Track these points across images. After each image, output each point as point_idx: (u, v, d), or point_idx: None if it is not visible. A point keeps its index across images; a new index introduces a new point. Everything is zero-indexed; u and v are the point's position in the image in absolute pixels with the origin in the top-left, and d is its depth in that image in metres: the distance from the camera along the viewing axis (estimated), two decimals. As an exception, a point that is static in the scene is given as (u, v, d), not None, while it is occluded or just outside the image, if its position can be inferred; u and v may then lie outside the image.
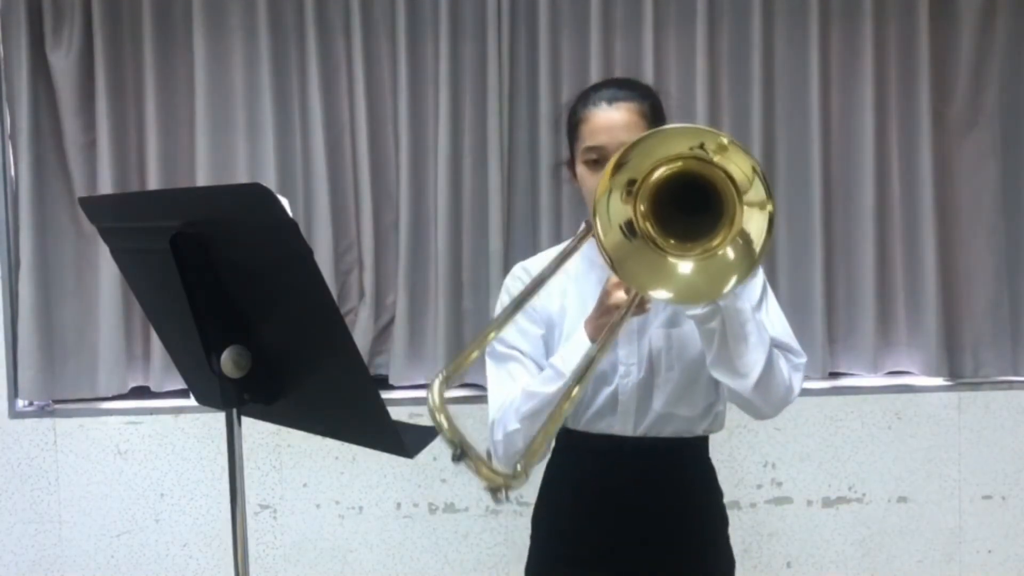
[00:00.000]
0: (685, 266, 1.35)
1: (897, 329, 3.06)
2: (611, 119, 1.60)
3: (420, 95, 2.96)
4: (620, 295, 1.46)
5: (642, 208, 1.34)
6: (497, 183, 2.94)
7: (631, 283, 1.36)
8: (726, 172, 1.28)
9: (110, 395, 2.97)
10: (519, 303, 1.40)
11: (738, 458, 2.99)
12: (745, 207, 1.29)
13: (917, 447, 3.05)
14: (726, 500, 1.81)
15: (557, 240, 2.89)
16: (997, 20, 3.00)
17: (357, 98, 2.94)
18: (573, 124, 1.67)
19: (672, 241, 1.35)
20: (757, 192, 1.28)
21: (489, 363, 1.71)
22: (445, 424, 1.12)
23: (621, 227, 1.35)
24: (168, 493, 2.99)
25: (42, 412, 2.98)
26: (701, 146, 1.28)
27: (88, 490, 2.98)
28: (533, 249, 2.89)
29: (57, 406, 2.98)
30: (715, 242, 1.33)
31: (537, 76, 2.94)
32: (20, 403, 2.98)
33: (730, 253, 1.32)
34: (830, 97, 3.01)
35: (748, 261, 1.30)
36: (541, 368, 1.65)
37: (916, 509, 3.06)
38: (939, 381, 3.04)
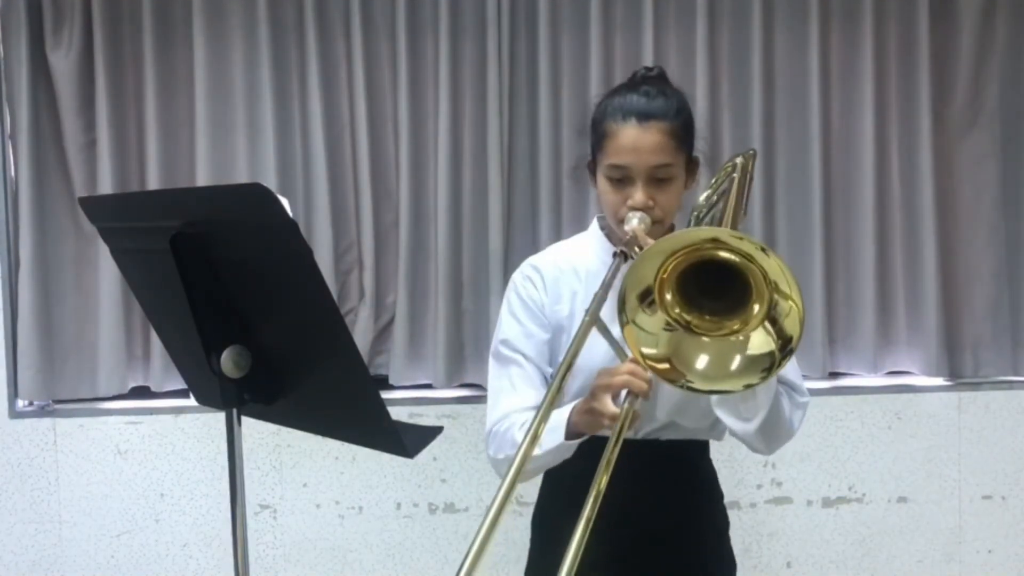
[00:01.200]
0: (713, 342, 1.33)
1: (897, 329, 3.06)
2: (639, 140, 1.54)
3: (420, 95, 2.96)
4: (609, 406, 1.38)
5: (676, 310, 1.32)
6: (497, 183, 2.94)
7: (685, 368, 1.31)
8: (738, 252, 1.26)
9: (110, 395, 2.97)
10: (556, 390, 1.32)
11: (738, 458, 2.98)
12: (774, 294, 1.28)
13: (917, 447, 3.05)
14: (726, 500, 1.81)
15: (557, 240, 2.89)
16: (997, 20, 3.00)
17: (357, 98, 2.94)
18: (599, 132, 1.60)
19: (708, 318, 1.33)
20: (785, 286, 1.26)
21: (492, 364, 1.68)
22: None
23: (664, 330, 1.32)
24: (168, 493, 2.99)
25: (42, 412, 2.98)
26: (714, 241, 1.27)
27: (88, 490, 2.98)
28: (533, 249, 2.87)
29: (57, 406, 2.98)
30: (735, 325, 1.31)
31: (537, 76, 2.94)
32: (20, 403, 2.98)
33: (766, 333, 1.30)
34: (830, 97, 3.01)
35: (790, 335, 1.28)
36: (544, 373, 1.64)
37: (916, 509, 3.06)
38: (939, 381, 3.04)
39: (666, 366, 1.32)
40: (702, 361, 1.32)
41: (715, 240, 1.27)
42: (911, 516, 3.06)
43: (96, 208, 1.66)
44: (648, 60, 2.92)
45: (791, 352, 1.29)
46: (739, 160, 1.75)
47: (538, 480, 1.77)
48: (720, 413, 1.54)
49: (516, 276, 1.72)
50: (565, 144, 2.95)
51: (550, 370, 1.65)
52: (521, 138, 2.98)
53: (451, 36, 2.91)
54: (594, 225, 1.73)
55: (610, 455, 1.30)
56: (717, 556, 1.76)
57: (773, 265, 1.25)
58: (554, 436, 1.48)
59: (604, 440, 1.65)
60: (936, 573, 3.07)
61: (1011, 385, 3.06)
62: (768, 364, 1.29)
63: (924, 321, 3.00)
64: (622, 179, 1.56)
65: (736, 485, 2.98)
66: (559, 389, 1.31)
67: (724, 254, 1.27)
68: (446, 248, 2.94)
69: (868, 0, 2.95)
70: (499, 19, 2.91)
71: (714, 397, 1.52)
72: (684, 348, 1.32)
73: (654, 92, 1.59)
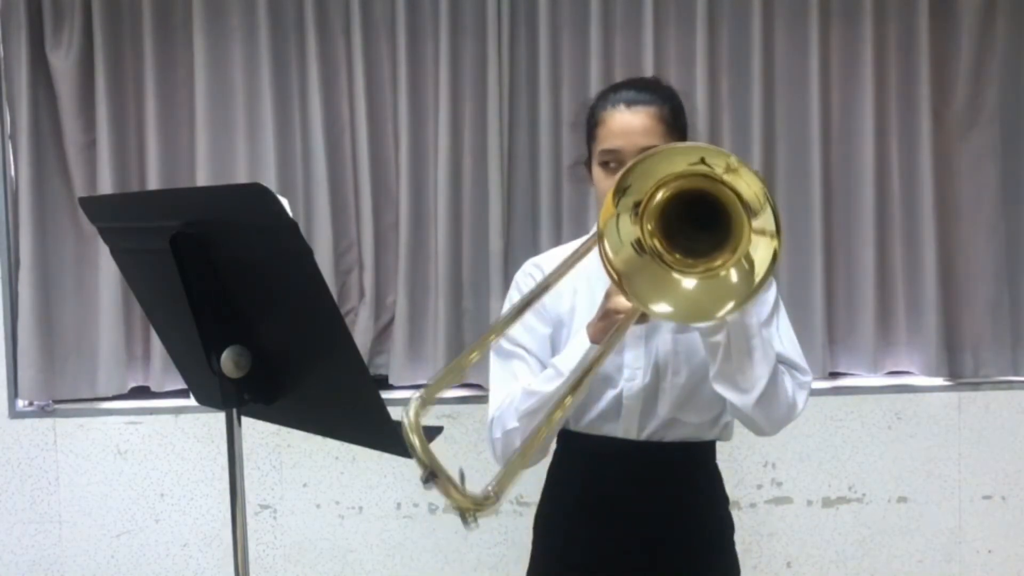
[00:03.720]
0: (688, 283, 1.33)
1: (897, 329, 3.06)
2: (628, 123, 1.58)
3: (420, 95, 2.96)
4: (622, 301, 1.44)
5: (649, 227, 1.32)
6: (497, 183, 2.94)
7: (636, 299, 1.33)
8: (735, 191, 1.26)
9: (110, 395, 2.97)
10: (517, 311, 1.38)
11: (738, 458, 2.99)
12: (754, 234, 1.26)
13: (917, 447, 3.05)
14: (726, 500, 1.82)
15: (557, 240, 2.89)
16: (997, 20, 3.00)
17: (357, 98, 2.94)
18: (591, 124, 1.65)
19: (678, 256, 1.33)
20: (767, 221, 1.25)
21: (493, 359, 1.70)
22: (417, 445, 1.11)
23: (632, 244, 1.33)
24: (168, 493, 2.99)
25: (42, 412, 2.98)
26: (702, 161, 1.26)
27: (88, 490, 2.98)
28: (533, 249, 2.89)
29: (57, 406, 2.98)
30: (718, 262, 1.31)
31: (537, 76, 2.94)
32: (20, 403, 2.98)
33: (733, 276, 1.29)
34: (830, 97, 3.01)
35: (747, 289, 1.28)
36: (546, 367, 1.65)
37: (916, 509, 3.06)
38: (939, 381, 3.04)
39: (615, 278, 1.33)
40: (661, 305, 1.32)
41: (728, 167, 1.26)
42: (911, 516, 3.06)
43: (96, 208, 1.66)
44: (648, 60, 2.92)
45: (757, 288, 1.28)
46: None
47: (540, 481, 1.77)
48: (719, 387, 1.54)
49: (519, 275, 1.75)
50: (565, 144, 2.95)
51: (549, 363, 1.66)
52: (521, 138, 2.98)
53: (451, 36, 2.91)
54: (593, 233, 1.74)
55: (613, 336, 1.37)
56: (721, 559, 1.76)
57: (747, 188, 1.25)
58: (576, 352, 1.53)
59: (609, 439, 1.66)
60: (936, 573, 3.07)
61: (1011, 385, 3.06)
62: (741, 294, 1.29)
63: (924, 321, 3.00)
64: (614, 163, 1.59)
65: (736, 485, 2.98)
66: (536, 296, 1.41)
67: (715, 186, 1.27)
68: (446, 248, 2.94)
69: (868, 0, 2.95)
70: (499, 19, 2.91)
71: (713, 371, 1.53)
72: (642, 277, 1.33)
73: (643, 84, 1.65)
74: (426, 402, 1.16)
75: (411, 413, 1.13)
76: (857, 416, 3.03)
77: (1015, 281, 3.06)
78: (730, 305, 1.29)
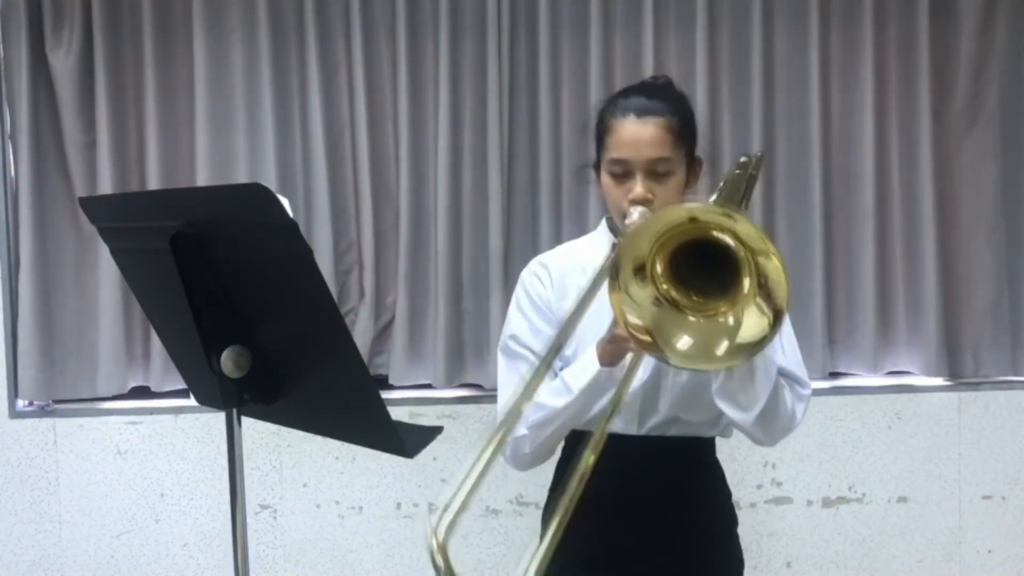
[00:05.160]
0: (700, 322, 1.33)
1: (897, 329, 3.06)
2: (638, 134, 1.58)
3: (420, 95, 2.96)
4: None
5: (664, 285, 1.32)
6: (497, 183, 2.94)
7: (668, 348, 1.31)
8: (733, 233, 1.26)
9: (110, 395, 2.97)
10: (547, 362, 1.33)
11: (738, 458, 2.98)
12: (758, 278, 1.27)
13: (917, 447, 3.05)
14: (727, 500, 1.81)
15: (557, 240, 2.89)
16: (997, 20, 3.00)
17: (357, 98, 2.94)
18: (601, 130, 1.65)
19: (695, 298, 1.33)
20: (769, 263, 1.26)
21: (501, 359, 1.71)
22: (442, 566, 1.06)
23: (651, 304, 1.33)
24: (168, 493, 2.99)
25: (42, 412, 2.98)
26: (693, 219, 1.26)
27: (88, 490, 2.98)
28: (533, 249, 2.89)
29: (57, 406, 2.98)
30: (723, 307, 1.31)
31: (537, 76, 2.94)
32: (20, 403, 2.98)
33: (731, 321, 1.30)
34: (830, 97, 3.01)
35: (764, 327, 1.28)
36: (552, 369, 1.65)
37: (916, 509, 3.06)
38: (939, 381, 3.04)
39: (647, 338, 1.32)
40: (683, 341, 1.32)
41: (694, 219, 1.27)
42: (911, 516, 3.05)
43: (96, 208, 1.66)
44: (648, 60, 2.92)
45: (779, 324, 1.28)
46: (743, 159, 1.76)
47: (548, 477, 1.77)
48: (720, 403, 1.55)
49: (524, 273, 1.74)
50: (565, 144, 2.95)
51: (559, 364, 1.66)
52: (521, 138, 2.98)
53: (451, 36, 2.91)
54: (603, 225, 1.75)
55: (621, 390, 1.35)
56: (725, 553, 1.77)
57: (747, 231, 1.25)
58: (588, 369, 1.52)
59: (615, 437, 1.66)
60: (936, 573, 3.07)
61: (1011, 385, 3.06)
62: (759, 340, 1.29)
63: (924, 321, 3.00)
64: (623, 174, 1.59)
65: (736, 485, 2.95)
66: (561, 344, 1.36)
67: (716, 234, 1.27)
68: (446, 248, 2.94)
69: (868, 0, 2.95)
70: (499, 19, 2.91)
71: (714, 387, 1.54)
72: (668, 324, 1.33)
73: (654, 92, 1.64)
74: (455, 524, 1.07)
75: (437, 535, 1.05)
76: (857, 416, 3.03)
77: (1015, 281, 3.06)
78: (724, 346, 1.29)
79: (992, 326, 3.03)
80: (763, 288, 1.28)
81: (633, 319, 1.32)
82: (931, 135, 2.98)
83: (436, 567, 1.06)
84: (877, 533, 3.05)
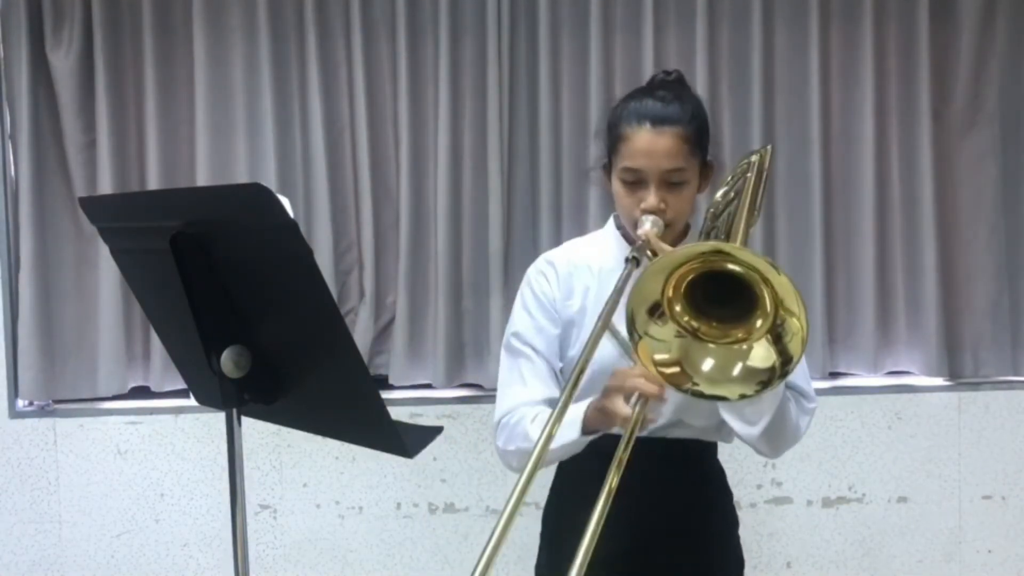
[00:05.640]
0: (718, 349, 1.34)
1: (897, 329, 3.05)
2: (652, 144, 1.56)
3: (420, 95, 2.96)
4: (621, 407, 1.40)
5: (685, 318, 1.34)
6: (497, 183, 2.94)
7: (699, 376, 1.33)
8: (742, 263, 1.27)
9: (110, 395, 2.97)
10: (561, 411, 1.31)
11: (738, 458, 2.96)
12: (780, 303, 1.28)
13: (917, 447, 3.05)
14: (727, 500, 1.81)
15: (557, 240, 2.89)
16: (997, 20, 3.00)
17: (357, 98, 2.94)
18: (614, 136, 1.63)
19: (715, 325, 1.35)
20: (783, 287, 1.26)
21: (503, 355, 1.70)
22: None
23: (676, 337, 1.34)
24: (168, 493, 2.99)
25: (42, 412, 2.98)
26: (703, 257, 1.28)
27: (88, 490, 2.98)
28: (533, 249, 2.89)
29: (57, 406, 2.98)
30: (740, 334, 1.32)
31: (537, 76, 2.94)
32: (20, 403, 2.98)
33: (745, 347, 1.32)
34: (830, 97, 3.01)
35: (793, 345, 1.29)
36: (553, 367, 1.65)
37: (916, 509, 3.05)
38: (939, 381, 3.04)
39: (676, 370, 1.34)
40: (708, 365, 1.34)
41: (720, 252, 1.29)
42: (911, 516, 3.05)
43: (96, 208, 1.65)
44: (648, 60, 2.92)
45: (788, 372, 1.30)
46: (754, 158, 1.75)
47: (549, 478, 1.77)
48: (725, 416, 1.55)
49: (531, 270, 1.73)
50: (565, 144, 2.96)
51: (560, 364, 1.66)
52: (521, 138, 2.98)
53: (451, 36, 2.91)
54: (610, 223, 1.74)
55: (621, 455, 1.33)
56: (725, 555, 1.76)
57: (784, 282, 1.26)
58: (569, 431, 1.50)
59: (616, 438, 1.66)
60: (936, 573, 3.07)
61: (1011, 385, 3.06)
62: (767, 378, 1.31)
63: (924, 321, 3.00)
64: (636, 182, 1.58)
65: (736, 485, 2.94)
66: (571, 394, 1.32)
67: (731, 266, 1.28)
68: (446, 248, 2.94)
69: (868, 0, 2.95)
70: (499, 19, 2.91)
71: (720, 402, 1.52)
72: (692, 353, 1.34)
73: (670, 97, 1.61)
74: None
75: None
76: (857, 416, 3.03)
77: (1015, 281, 3.06)
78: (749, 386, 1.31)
79: (992, 326, 3.03)
80: (778, 333, 1.29)
81: (660, 356, 1.32)
82: (931, 135, 2.98)
83: None
84: (877, 533, 3.05)
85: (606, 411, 1.43)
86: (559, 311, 1.67)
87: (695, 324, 1.34)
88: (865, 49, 2.97)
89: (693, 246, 1.33)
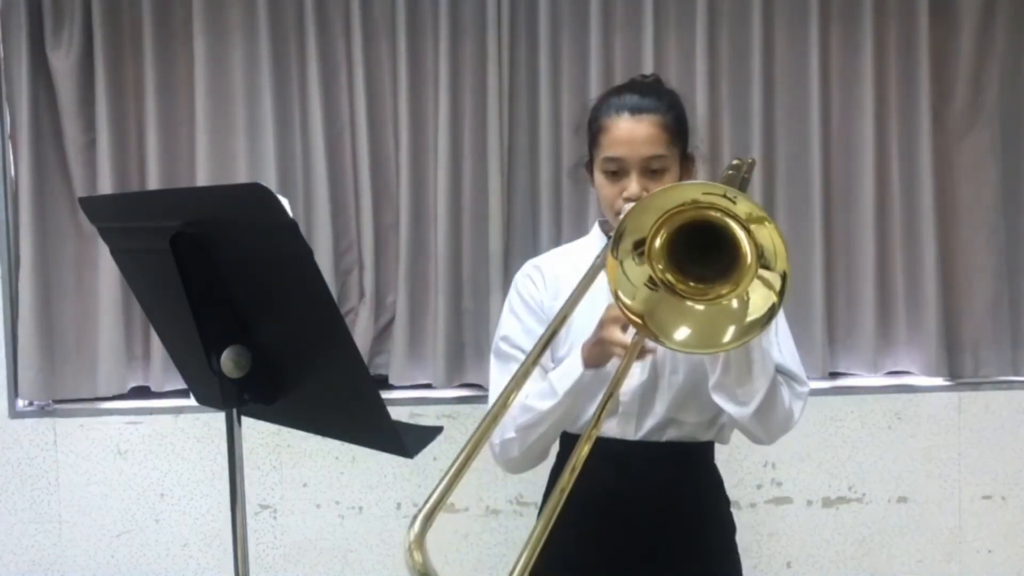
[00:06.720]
0: (704, 308, 1.34)
1: (897, 329, 3.05)
2: (632, 132, 1.59)
3: (420, 95, 2.95)
4: (618, 334, 1.43)
5: (660, 264, 1.34)
6: (497, 183, 2.94)
7: (660, 333, 1.32)
8: (734, 216, 1.27)
9: (110, 395, 2.97)
10: (536, 359, 1.37)
11: (738, 458, 2.99)
12: (759, 267, 1.29)
13: (917, 447, 3.05)
14: (726, 500, 1.81)
15: (557, 240, 2.89)
16: (997, 20, 3.00)
17: (357, 98, 2.94)
18: (594, 129, 1.66)
19: (692, 284, 1.34)
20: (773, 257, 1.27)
21: (493, 361, 1.71)
22: (420, 562, 1.09)
23: (646, 284, 1.34)
24: (168, 493, 2.99)
25: (42, 412, 2.98)
26: (701, 196, 1.28)
27: (88, 490, 2.98)
28: (533, 249, 2.89)
29: (57, 406, 2.98)
30: (724, 290, 1.32)
31: (537, 76, 2.94)
32: (20, 403, 2.98)
33: (746, 299, 1.31)
34: (830, 97, 3.01)
35: (752, 324, 1.29)
36: (544, 370, 1.65)
37: (916, 509, 3.06)
38: (939, 381, 3.04)
39: (639, 322, 1.33)
40: (682, 331, 1.33)
41: (696, 200, 1.29)
42: (911, 516, 3.05)
43: (96, 208, 1.66)
44: (648, 60, 2.92)
45: (786, 288, 1.30)
46: (736, 161, 1.77)
47: (544, 477, 1.77)
48: (717, 398, 1.55)
49: (518, 275, 1.75)
50: (565, 144, 2.95)
51: (551, 366, 1.66)
52: (521, 138, 2.98)
53: (451, 36, 2.91)
54: (595, 228, 1.75)
55: (613, 388, 1.36)
56: (722, 561, 1.76)
57: (745, 208, 1.27)
58: (572, 367, 1.53)
59: (604, 439, 1.66)
60: (936, 573, 3.07)
61: (1011, 385, 3.06)
62: (769, 310, 1.30)
63: (924, 321, 3.00)
64: (617, 171, 1.60)
65: (736, 485, 2.98)
66: (554, 333, 1.38)
67: (715, 216, 1.28)
68: (446, 248, 2.94)
69: (868, 0, 2.95)
70: (499, 19, 2.91)
71: (712, 382, 1.54)
72: (662, 309, 1.34)
73: (647, 89, 1.66)
74: (432, 517, 1.13)
75: (414, 531, 1.13)
76: (857, 416, 3.03)
77: (1015, 281, 3.06)
78: (731, 332, 1.30)
79: (992, 326, 3.03)
80: (762, 259, 1.29)
81: (625, 299, 1.32)
82: (931, 135, 2.97)
83: (413, 562, 1.09)
84: (877, 533, 3.05)
85: (602, 341, 1.47)
86: (547, 312, 1.68)
87: (670, 277, 1.34)
88: (865, 49, 2.97)
89: (684, 184, 1.35)
